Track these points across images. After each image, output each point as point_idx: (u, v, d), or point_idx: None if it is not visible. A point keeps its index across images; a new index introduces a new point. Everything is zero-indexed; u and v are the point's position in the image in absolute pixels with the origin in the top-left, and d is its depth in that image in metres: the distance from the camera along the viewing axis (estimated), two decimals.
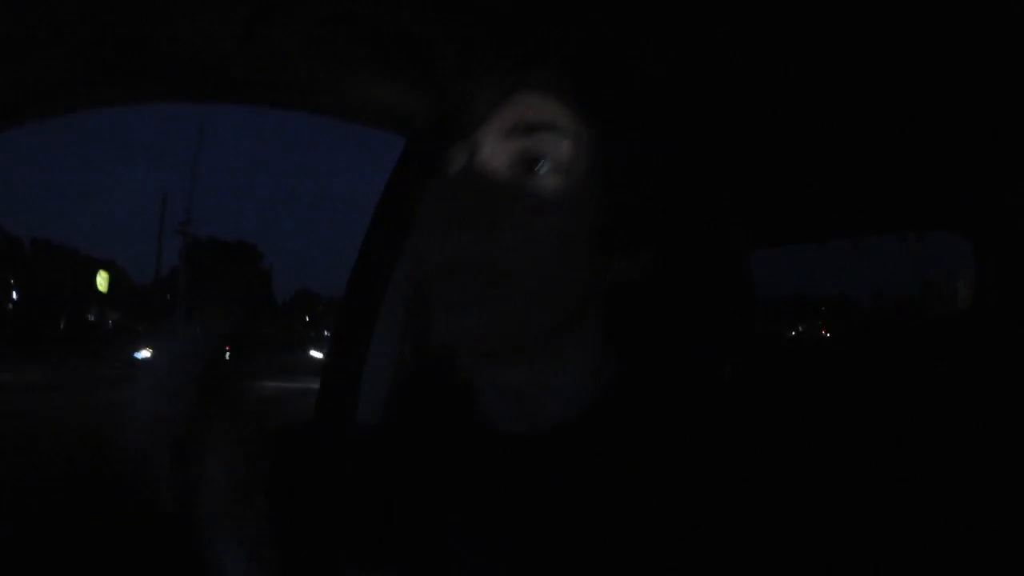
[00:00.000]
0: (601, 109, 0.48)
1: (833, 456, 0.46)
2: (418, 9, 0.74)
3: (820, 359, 1.60)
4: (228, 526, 0.51)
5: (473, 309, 0.46)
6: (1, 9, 0.62)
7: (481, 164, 0.47)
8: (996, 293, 1.51)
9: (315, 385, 1.19)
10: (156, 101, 0.85)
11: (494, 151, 0.47)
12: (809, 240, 1.83)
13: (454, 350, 0.53)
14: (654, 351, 0.53)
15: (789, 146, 1.25)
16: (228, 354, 0.53)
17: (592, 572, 0.44)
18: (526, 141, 0.47)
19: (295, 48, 0.77)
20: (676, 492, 0.44)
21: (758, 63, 0.93)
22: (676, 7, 0.79)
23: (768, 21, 0.84)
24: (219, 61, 0.75)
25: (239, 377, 0.54)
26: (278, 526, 0.55)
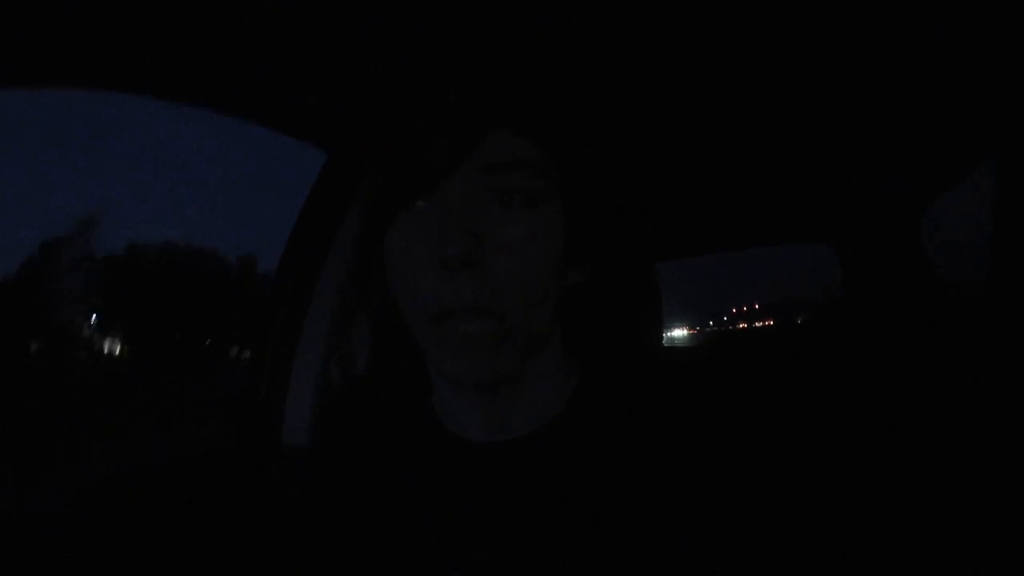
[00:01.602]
0: (562, 144, 0.50)
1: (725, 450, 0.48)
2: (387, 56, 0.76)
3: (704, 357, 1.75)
4: None
5: (473, 352, 0.47)
6: None
7: (459, 202, 0.47)
8: (855, 294, 1.72)
9: None
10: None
11: (471, 189, 0.47)
12: (702, 252, 1.99)
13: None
14: (606, 356, 0.57)
15: (688, 176, 1.36)
16: None
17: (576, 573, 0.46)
18: (500, 179, 0.47)
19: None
20: (647, 492, 0.47)
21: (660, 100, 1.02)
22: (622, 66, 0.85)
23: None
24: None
25: None
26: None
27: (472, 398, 0.53)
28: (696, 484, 0.47)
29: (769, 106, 1.09)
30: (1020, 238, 0.87)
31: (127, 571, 0.78)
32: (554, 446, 0.51)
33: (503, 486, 0.50)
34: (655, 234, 1.73)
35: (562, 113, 0.52)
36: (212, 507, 0.94)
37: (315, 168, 1.11)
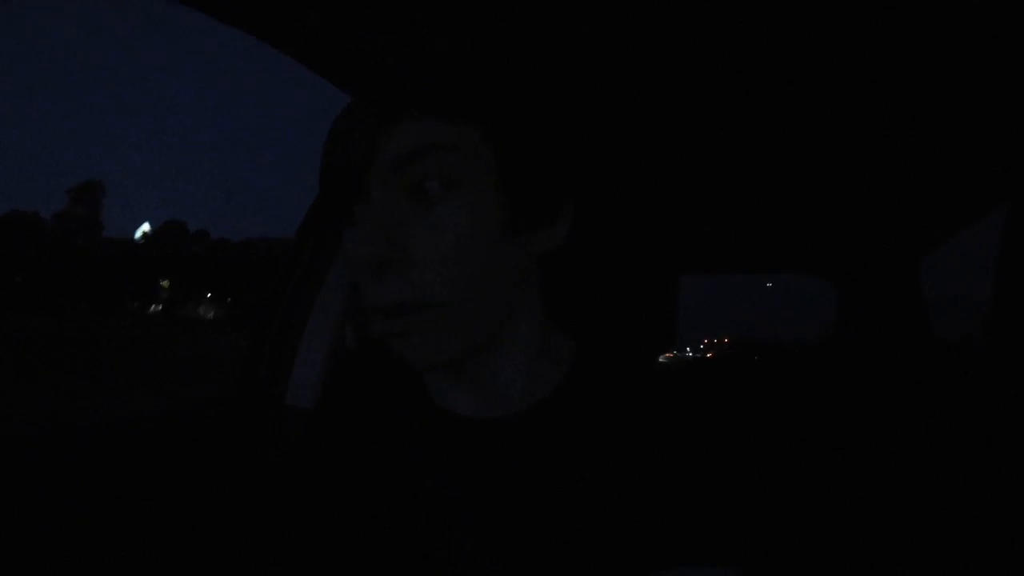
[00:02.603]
0: (478, 115, 0.48)
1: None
2: None
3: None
4: None
5: (420, 342, 0.47)
6: None
7: (381, 210, 0.47)
8: (850, 327, 1.76)
9: None
10: None
11: (386, 192, 0.47)
12: (703, 271, 2.02)
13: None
14: (600, 327, 0.57)
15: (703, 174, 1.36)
16: None
17: (561, 556, 0.47)
18: (410, 170, 0.47)
19: None
20: (644, 478, 0.48)
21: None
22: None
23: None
24: None
25: None
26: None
27: (453, 374, 0.53)
28: (671, 486, 0.47)
29: (788, 132, 1.12)
30: (1021, 293, 0.90)
31: (124, 518, 0.78)
32: (543, 426, 0.51)
33: (489, 462, 0.51)
34: (674, 246, 1.74)
35: (480, 86, 0.49)
36: (210, 458, 0.94)
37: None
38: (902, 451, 1.31)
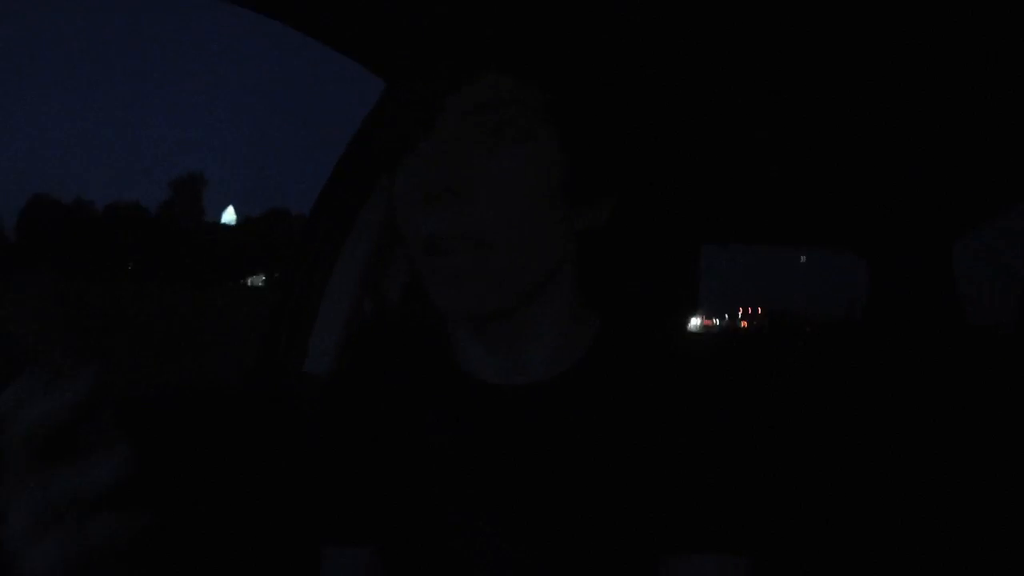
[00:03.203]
0: (555, 79, 0.50)
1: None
2: None
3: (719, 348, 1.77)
4: None
5: (461, 282, 0.47)
6: None
7: (448, 142, 0.47)
8: (883, 304, 1.71)
9: None
10: None
11: (461, 126, 0.47)
12: (737, 240, 1.98)
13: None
14: (627, 306, 0.57)
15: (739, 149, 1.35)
16: None
17: (577, 527, 0.47)
18: (487, 116, 0.47)
19: None
20: (657, 450, 0.48)
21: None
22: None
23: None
24: None
25: None
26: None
27: (481, 338, 0.53)
28: (693, 460, 0.48)
29: (830, 107, 1.08)
30: None
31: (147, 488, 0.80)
32: (567, 396, 0.51)
33: (509, 429, 0.51)
34: (702, 215, 1.72)
35: (560, 54, 0.51)
36: (233, 427, 0.96)
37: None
38: (927, 438, 1.28)
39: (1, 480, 0.31)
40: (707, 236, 1.92)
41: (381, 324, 0.67)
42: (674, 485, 0.47)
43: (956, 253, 1.60)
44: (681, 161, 1.36)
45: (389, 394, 0.57)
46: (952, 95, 0.99)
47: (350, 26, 0.91)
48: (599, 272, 0.56)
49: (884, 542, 1.15)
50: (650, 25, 0.86)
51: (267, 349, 1.10)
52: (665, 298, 0.85)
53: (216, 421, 0.96)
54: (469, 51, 0.49)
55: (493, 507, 0.50)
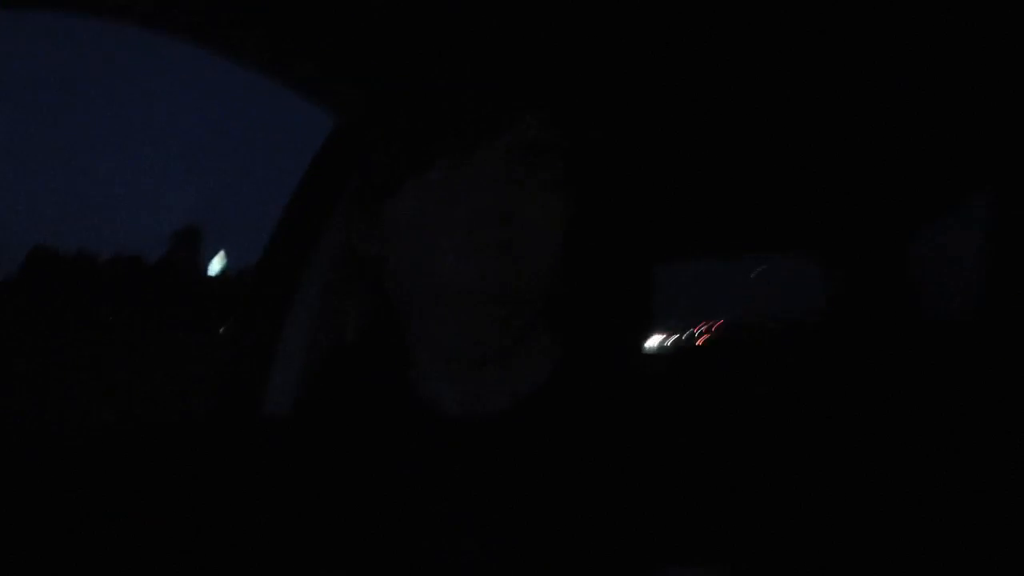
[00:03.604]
0: (584, 134, 0.52)
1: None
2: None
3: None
4: None
5: (481, 330, 0.46)
6: None
7: (490, 178, 0.46)
8: (839, 304, 1.76)
9: None
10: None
11: (501, 165, 0.47)
12: (693, 256, 2.02)
13: (416, 354, 0.53)
14: (584, 342, 0.57)
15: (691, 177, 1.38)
16: None
17: (550, 554, 0.46)
18: (532, 159, 0.47)
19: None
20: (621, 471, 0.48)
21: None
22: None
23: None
24: None
25: None
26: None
27: (454, 373, 0.53)
28: (660, 476, 0.48)
29: (775, 113, 1.11)
30: (1013, 271, 0.89)
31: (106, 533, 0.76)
32: (526, 424, 0.51)
33: (474, 461, 0.51)
34: (653, 233, 1.74)
35: (587, 105, 0.53)
36: (192, 471, 0.92)
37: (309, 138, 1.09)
38: (892, 438, 1.31)
39: None
40: (661, 251, 1.96)
41: (339, 360, 0.66)
42: (646, 502, 0.47)
43: (909, 250, 1.65)
44: (628, 177, 1.38)
45: (352, 431, 0.56)
46: (897, 90, 1.01)
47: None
48: (558, 296, 0.56)
49: (859, 543, 1.17)
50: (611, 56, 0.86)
51: (227, 388, 1.06)
52: (621, 317, 0.86)
53: (175, 461, 0.92)
54: (517, 88, 0.48)
55: (462, 540, 0.49)
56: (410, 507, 0.51)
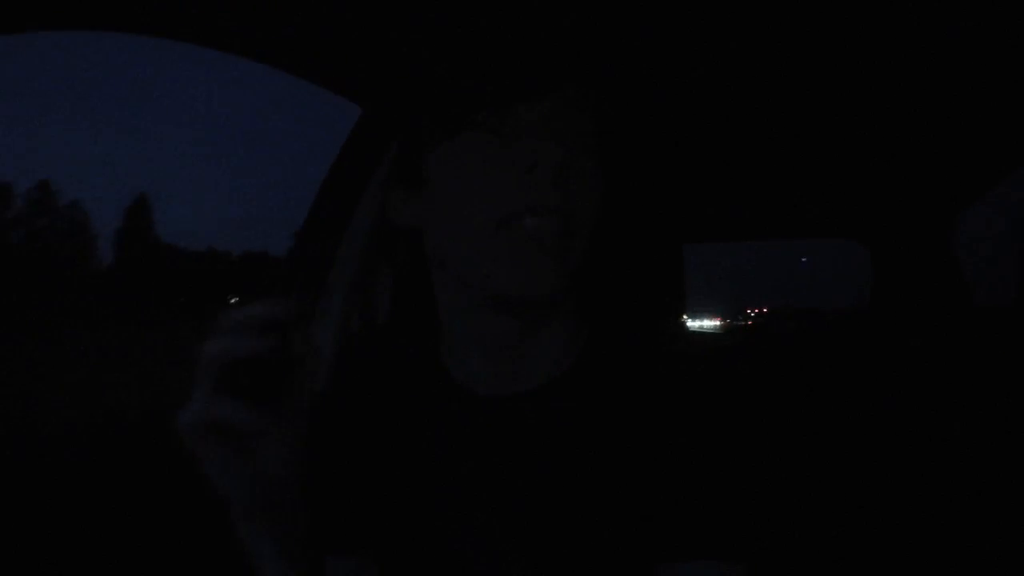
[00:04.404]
0: (611, 116, 0.52)
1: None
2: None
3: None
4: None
5: (538, 259, 0.47)
6: None
7: (548, 122, 0.47)
8: (886, 293, 1.70)
9: None
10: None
11: (551, 117, 0.48)
12: (732, 239, 1.97)
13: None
14: (615, 309, 0.57)
15: (727, 158, 1.35)
16: None
17: (573, 535, 0.46)
18: (576, 119, 0.48)
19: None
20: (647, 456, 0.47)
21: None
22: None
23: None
24: None
25: None
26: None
27: (483, 350, 0.53)
28: (689, 463, 0.47)
29: (815, 97, 1.08)
30: None
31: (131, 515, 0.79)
32: (556, 404, 0.51)
33: (504, 439, 0.50)
34: (689, 214, 1.72)
35: (622, 80, 0.53)
36: None
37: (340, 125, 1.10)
38: (937, 429, 1.26)
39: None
40: (703, 235, 1.92)
41: (371, 340, 0.67)
42: (670, 490, 0.46)
43: (957, 233, 1.59)
44: (670, 160, 1.36)
45: (382, 409, 0.56)
46: (938, 77, 0.99)
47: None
48: (589, 276, 0.56)
49: (893, 540, 1.13)
50: (649, 28, 0.86)
51: None
52: (652, 299, 0.85)
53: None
54: (556, 52, 0.50)
55: (488, 517, 0.49)
56: (435, 489, 0.51)
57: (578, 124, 0.49)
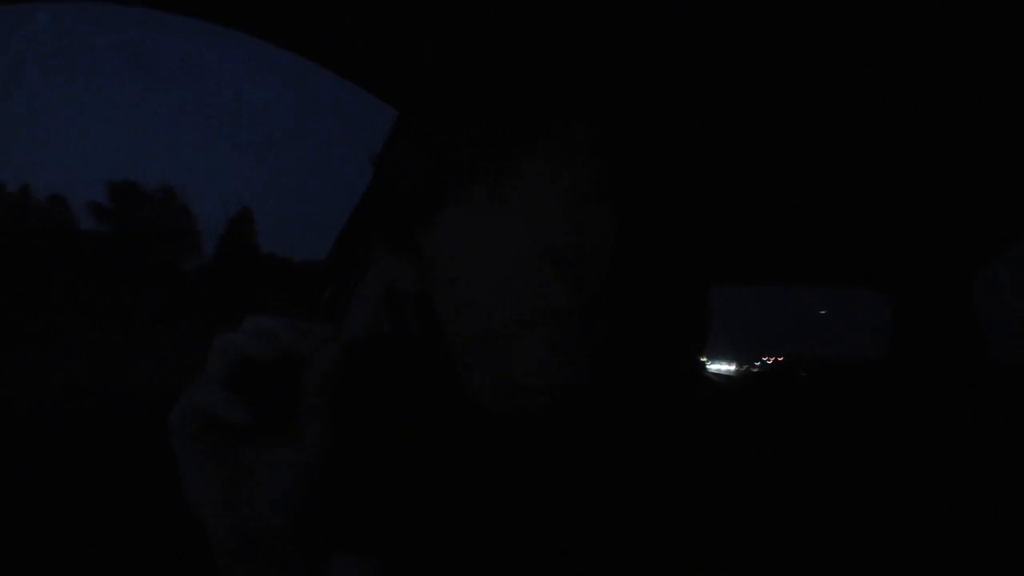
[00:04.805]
0: (625, 151, 0.48)
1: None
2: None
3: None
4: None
5: (549, 362, 0.45)
6: None
7: (547, 188, 0.43)
8: (908, 341, 1.69)
9: None
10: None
11: (553, 174, 0.43)
12: (754, 282, 1.98)
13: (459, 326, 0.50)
14: (621, 347, 0.56)
15: (749, 199, 1.37)
16: None
17: (576, 554, 0.46)
18: (582, 164, 0.44)
19: None
20: (653, 479, 0.46)
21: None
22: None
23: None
24: None
25: None
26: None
27: (493, 366, 0.51)
28: (693, 497, 0.46)
29: (847, 144, 1.09)
30: None
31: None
32: (566, 425, 0.50)
33: (511, 456, 0.50)
34: (712, 255, 1.72)
35: (630, 108, 0.51)
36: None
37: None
38: (948, 477, 1.24)
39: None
40: (724, 277, 1.92)
41: (377, 353, 0.66)
42: (674, 516, 0.46)
43: (976, 288, 1.59)
44: (694, 201, 1.38)
45: (392, 411, 0.56)
46: (967, 132, 1.00)
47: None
48: (603, 308, 0.57)
49: None
50: (671, 64, 0.85)
51: None
52: (669, 335, 0.86)
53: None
54: (551, 90, 0.45)
55: (492, 532, 0.49)
56: (440, 499, 0.51)
57: (589, 170, 0.44)
